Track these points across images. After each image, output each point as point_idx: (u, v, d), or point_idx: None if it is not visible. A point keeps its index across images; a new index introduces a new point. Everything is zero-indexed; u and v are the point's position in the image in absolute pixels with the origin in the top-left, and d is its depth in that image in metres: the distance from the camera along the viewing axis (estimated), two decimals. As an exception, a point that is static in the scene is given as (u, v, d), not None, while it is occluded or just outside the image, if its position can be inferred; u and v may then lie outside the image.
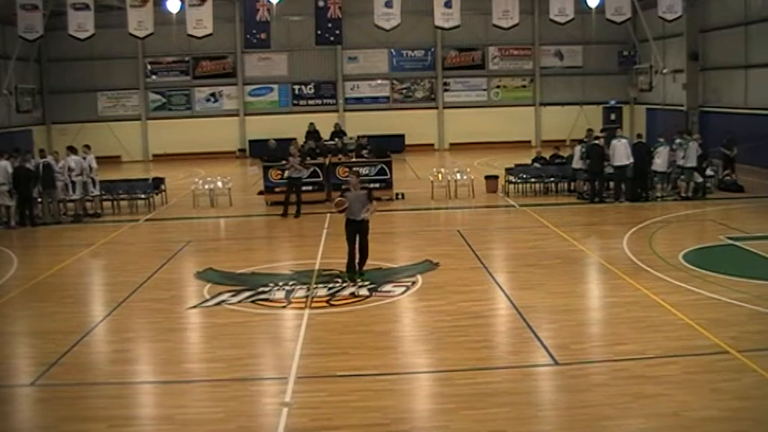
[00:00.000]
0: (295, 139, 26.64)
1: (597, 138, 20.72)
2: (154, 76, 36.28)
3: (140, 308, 11.45)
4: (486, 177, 22.29)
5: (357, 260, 12.75)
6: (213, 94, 36.58)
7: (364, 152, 22.40)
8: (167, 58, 35.98)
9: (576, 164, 20.34)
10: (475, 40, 36.20)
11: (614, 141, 19.64)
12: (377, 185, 21.02)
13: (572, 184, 21.19)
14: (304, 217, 18.81)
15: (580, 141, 20.86)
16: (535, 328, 9.78)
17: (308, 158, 21.54)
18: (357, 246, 12.63)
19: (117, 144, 35.13)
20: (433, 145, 36.91)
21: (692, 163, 19.50)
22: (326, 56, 36.01)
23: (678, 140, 20.02)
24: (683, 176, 19.74)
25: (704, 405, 7.36)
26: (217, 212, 20.44)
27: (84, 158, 19.72)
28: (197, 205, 21.19)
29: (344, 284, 12.20)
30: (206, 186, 21.79)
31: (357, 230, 12.57)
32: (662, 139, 20.23)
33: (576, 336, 9.60)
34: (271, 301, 11.51)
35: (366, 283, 12.22)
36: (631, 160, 19.31)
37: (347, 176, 13.45)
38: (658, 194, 20.03)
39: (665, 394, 7.58)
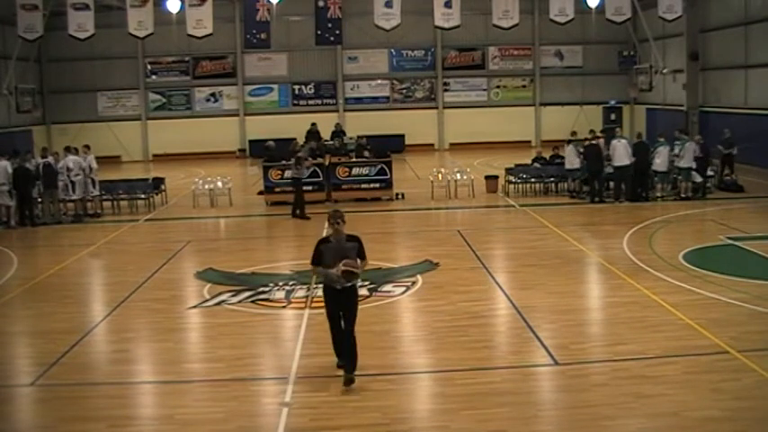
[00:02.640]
0: (295, 139, 26.69)
1: (596, 138, 20.75)
2: (154, 76, 36.28)
3: (140, 308, 11.45)
4: (486, 177, 22.29)
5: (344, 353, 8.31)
6: (213, 94, 36.58)
7: (366, 153, 22.39)
8: (167, 58, 35.97)
9: (571, 164, 20.36)
10: (475, 40, 36.19)
11: (614, 141, 19.67)
12: (377, 185, 21.12)
13: (567, 183, 21.18)
14: (302, 219, 18.78)
15: (569, 141, 20.90)
16: (535, 328, 9.78)
17: (310, 158, 21.55)
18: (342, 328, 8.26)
19: (117, 144, 35.13)
20: (433, 145, 36.91)
21: (688, 163, 19.52)
22: (326, 56, 36.00)
23: (676, 140, 20.10)
24: (679, 176, 19.77)
25: (704, 405, 7.36)
26: (217, 212, 20.43)
27: (84, 158, 19.73)
28: (197, 205, 21.19)
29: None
30: (206, 186, 21.79)
31: (339, 305, 8.23)
32: (662, 139, 20.26)
33: (576, 336, 9.60)
34: (271, 301, 11.51)
35: (366, 283, 12.21)
36: (632, 160, 19.31)
37: (331, 221, 8.26)
38: (658, 194, 20.04)
39: (665, 394, 7.58)
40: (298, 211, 18.73)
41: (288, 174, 20.58)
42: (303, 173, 19.00)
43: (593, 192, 19.73)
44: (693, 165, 19.60)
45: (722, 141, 22.13)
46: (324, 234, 8.60)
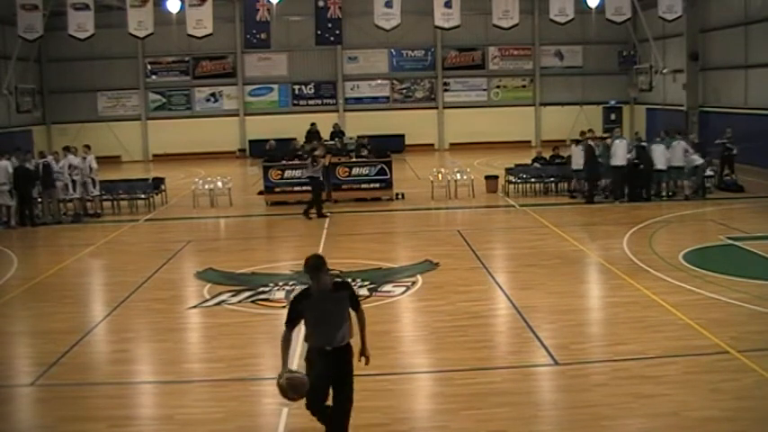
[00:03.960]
0: (295, 138, 26.72)
1: (595, 138, 20.80)
2: (154, 76, 36.26)
3: (140, 308, 11.45)
4: (486, 177, 22.28)
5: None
6: (213, 94, 36.57)
7: (364, 152, 22.40)
8: (167, 58, 35.95)
9: (577, 164, 20.36)
10: (475, 40, 36.18)
11: (616, 141, 19.80)
12: (377, 185, 21.11)
13: (571, 183, 21.18)
14: (304, 217, 18.80)
15: (577, 142, 20.91)
16: (535, 328, 9.78)
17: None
18: (331, 401, 6.46)
19: (117, 144, 35.12)
20: (433, 145, 36.90)
21: (679, 162, 19.63)
22: (326, 56, 36.00)
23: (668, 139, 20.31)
24: (677, 177, 19.90)
25: (704, 405, 7.36)
26: (217, 212, 20.43)
27: (84, 158, 19.74)
28: (197, 205, 21.18)
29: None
30: (206, 186, 21.78)
31: (329, 370, 6.35)
32: (659, 138, 20.46)
33: (576, 336, 9.60)
34: (271, 301, 11.51)
35: (366, 283, 12.22)
36: (629, 160, 19.41)
37: (310, 274, 6.40)
38: (653, 192, 20.07)
39: (665, 394, 7.58)
40: (315, 210, 18.74)
41: (288, 174, 20.65)
42: (318, 172, 18.96)
43: (590, 192, 19.73)
44: (684, 164, 19.70)
45: (726, 139, 22.08)
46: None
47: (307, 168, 19.33)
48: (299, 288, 11.91)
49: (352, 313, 6.55)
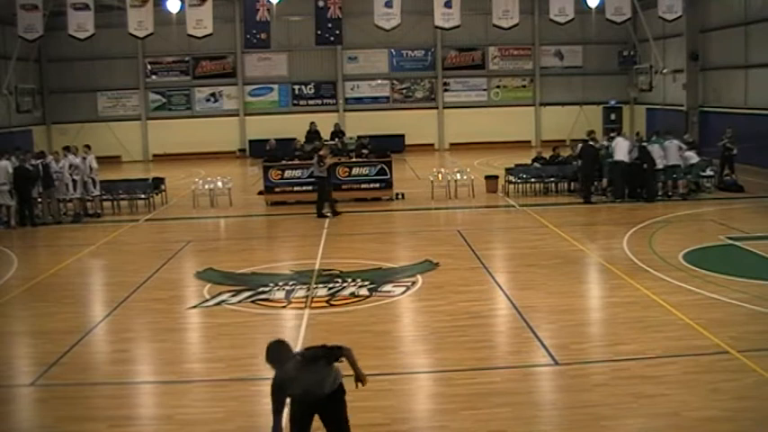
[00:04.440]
0: (295, 138, 26.71)
1: (593, 139, 20.84)
2: (154, 76, 36.24)
3: (140, 308, 11.44)
4: (486, 177, 22.27)
5: None
6: (213, 94, 36.55)
7: (365, 152, 22.41)
8: (167, 58, 35.93)
9: None
10: (475, 40, 36.18)
11: (619, 138, 20.05)
12: (377, 185, 21.10)
13: (572, 183, 21.20)
14: (304, 217, 18.81)
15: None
16: (535, 328, 9.78)
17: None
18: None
19: (117, 144, 35.10)
20: (433, 145, 36.90)
21: (674, 161, 19.71)
22: (326, 56, 36.00)
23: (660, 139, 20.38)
24: (674, 175, 19.92)
25: (704, 405, 7.36)
26: (217, 212, 20.43)
27: (84, 158, 19.74)
28: (197, 205, 21.18)
29: (344, 284, 12.19)
30: (206, 186, 21.78)
31: (312, 414, 6.02)
32: (652, 138, 20.57)
33: (576, 336, 9.60)
34: (271, 301, 11.51)
35: (366, 283, 12.22)
36: (630, 158, 19.45)
37: (272, 365, 5.77)
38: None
39: (665, 394, 7.58)
40: (324, 210, 18.68)
41: (288, 174, 20.66)
42: (324, 171, 18.96)
43: (587, 191, 19.73)
44: (679, 162, 19.73)
45: (727, 139, 22.08)
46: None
47: (314, 168, 19.32)
48: (298, 287, 11.97)
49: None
